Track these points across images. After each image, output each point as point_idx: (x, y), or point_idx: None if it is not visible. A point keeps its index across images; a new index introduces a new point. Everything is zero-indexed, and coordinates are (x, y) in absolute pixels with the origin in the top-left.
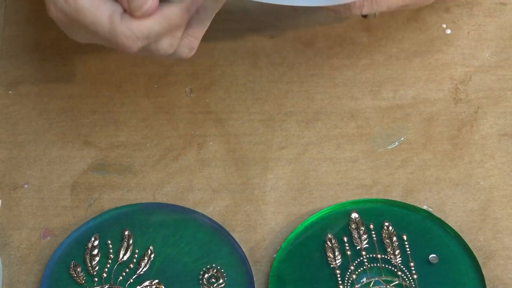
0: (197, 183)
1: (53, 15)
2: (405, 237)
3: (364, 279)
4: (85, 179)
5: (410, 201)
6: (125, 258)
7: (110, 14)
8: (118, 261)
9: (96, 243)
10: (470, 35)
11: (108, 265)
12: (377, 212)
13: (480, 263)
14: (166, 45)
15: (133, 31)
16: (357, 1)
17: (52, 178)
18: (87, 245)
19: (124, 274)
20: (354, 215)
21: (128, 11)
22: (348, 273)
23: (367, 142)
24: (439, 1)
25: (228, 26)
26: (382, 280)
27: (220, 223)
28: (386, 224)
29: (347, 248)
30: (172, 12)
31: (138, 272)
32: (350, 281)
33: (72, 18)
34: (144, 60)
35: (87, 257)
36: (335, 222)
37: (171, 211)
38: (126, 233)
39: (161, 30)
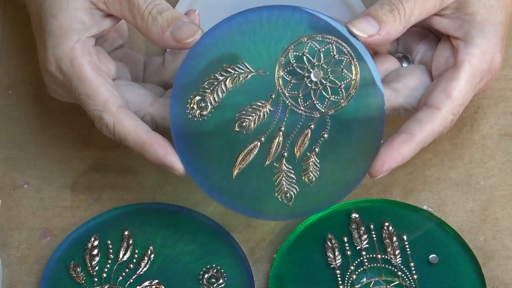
0: None
1: (52, 70)
2: (405, 237)
3: (364, 279)
4: (85, 179)
5: (410, 201)
6: (125, 258)
7: (107, 98)
8: (118, 261)
9: (96, 243)
10: None
11: (108, 265)
12: (377, 212)
13: (480, 263)
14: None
15: (114, 127)
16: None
17: (52, 178)
18: (87, 245)
19: (124, 274)
20: (354, 215)
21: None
22: (348, 273)
23: None
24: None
25: None
26: (382, 280)
27: (220, 223)
28: (386, 224)
29: (347, 248)
30: (151, 146)
31: (138, 272)
32: (350, 281)
33: (69, 81)
34: None
35: (87, 257)
36: (335, 222)
37: (171, 211)
38: (126, 233)
39: (133, 147)
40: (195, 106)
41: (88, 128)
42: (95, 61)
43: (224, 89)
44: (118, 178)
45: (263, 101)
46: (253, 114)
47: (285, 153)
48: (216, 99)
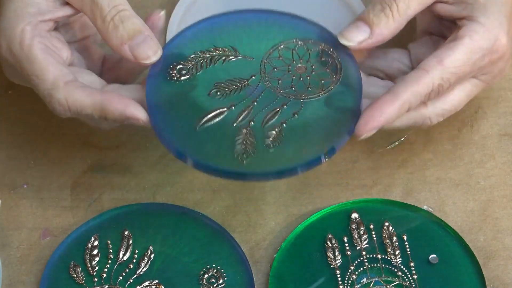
0: (197, 183)
1: (2, 53)
2: (405, 237)
3: (364, 279)
4: (85, 179)
5: (410, 201)
6: (125, 258)
7: (56, 76)
8: (118, 261)
9: (96, 243)
10: None
11: (108, 265)
12: (377, 212)
13: (480, 263)
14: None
15: (67, 102)
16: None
17: (52, 178)
18: (87, 245)
19: (124, 274)
20: (354, 215)
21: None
22: (348, 273)
23: (367, 142)
24: None
25: None
26: (382, 280)
27: (220, 223)
28: (386, 224)
29: (347, 248)
30: (110, 104)
31: (138, 272)
32: (350, 282)
33: (19, 62)
34: None
35: (87, 257)
36: (335, 222)
37: (171, 211)
38: (126, 233)
39: (93, 113)
40: (175, 71)
41: (88, 128)
42: (45, 42)
43: (207, 64)
44: (118, 178)
45: (242, 78)
46: (230, 86)
47: (252, 122)
48: (198, 70)
